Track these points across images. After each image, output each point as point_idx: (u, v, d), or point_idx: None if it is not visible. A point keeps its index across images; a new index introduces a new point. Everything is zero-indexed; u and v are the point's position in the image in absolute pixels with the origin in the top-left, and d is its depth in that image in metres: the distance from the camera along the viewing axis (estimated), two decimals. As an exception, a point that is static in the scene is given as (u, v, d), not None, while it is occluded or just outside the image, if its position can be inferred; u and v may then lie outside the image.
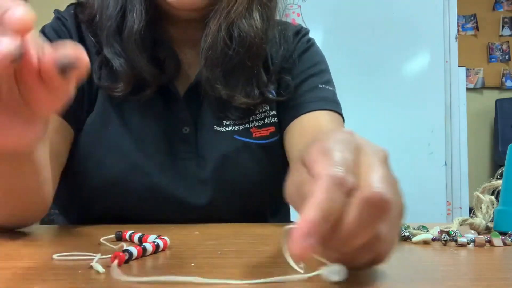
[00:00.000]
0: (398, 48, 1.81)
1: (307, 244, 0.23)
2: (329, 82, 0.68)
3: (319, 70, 0.69)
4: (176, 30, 0.64)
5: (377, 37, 1.80)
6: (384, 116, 1.78)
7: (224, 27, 0.58)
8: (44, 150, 0.45)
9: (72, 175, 0.61)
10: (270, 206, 0.71)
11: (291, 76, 0.66)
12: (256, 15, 0.60)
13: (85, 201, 0.62)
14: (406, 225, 0.48)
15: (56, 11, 0.65)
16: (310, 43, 0.71)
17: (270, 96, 0.64)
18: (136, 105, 0.61)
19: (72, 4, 0.66)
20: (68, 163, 0.61)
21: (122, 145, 0.60)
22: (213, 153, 0.62)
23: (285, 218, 0.76)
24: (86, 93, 0.61)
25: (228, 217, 0.62)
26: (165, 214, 0.60)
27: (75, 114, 0.60)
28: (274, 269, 0.31)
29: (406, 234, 0.45)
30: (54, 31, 0.62)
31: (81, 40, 0.62)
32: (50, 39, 0.61)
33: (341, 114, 0.67)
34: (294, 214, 0.75)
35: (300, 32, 0.72)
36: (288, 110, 0.65)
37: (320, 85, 0.66)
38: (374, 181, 0.24)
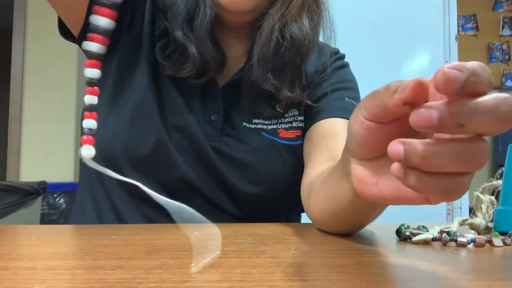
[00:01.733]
0: (398, 48, 1.80)
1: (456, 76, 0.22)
2: (357, 99, 0.72)
3: (349, 86, 0.72)
4: (224, 34, 0.67)
5: (377, 37, 1.80)
6: (384, 116, 1.78)
7: (277, 28, 0.62)
8: None
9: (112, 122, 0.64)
10: (285, 209, 0.72)
11: (321, 87, 0.70)
12: (305, 21, 0.64)
13: (124, 144, 0.64)
14: (406, 225, 0.47)
15: None
16: (345, 64, 0.76)
17: (306, 100, 0.68)
18: (178, 85, 0.65)
19: None
20: (109, 117, 0.65)
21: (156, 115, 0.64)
22: (239, 145, 0.66)
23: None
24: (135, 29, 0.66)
25: (245, 197, 0.65)
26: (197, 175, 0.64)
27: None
28: (274, 269, 0.31)
29: (406, 234, 0.45)
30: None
31: (153, 18, 0.67)
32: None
33: None
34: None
35: (337, 54, 0.77)
36: (311, 115, 0.68)
37: (346, 99, 0.69)
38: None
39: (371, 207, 0.41)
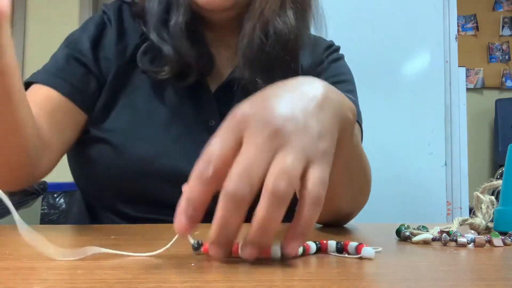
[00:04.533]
0: (398, 48, 1.81)
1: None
2: (352, 92, 0.71)
3: (344, 79, 0.72)
4: (212, 34, 0.67)
5: (377, 37, 1.80)
6: (383, 116, 1.78)
7: (259, 26, 0.61)
8: (9, 57, 0.42)
9: (96, 156, 0.63)
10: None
11: None
12: (289, 13, 0.63)
13: (110, 184, 0.63)
14: (406, 225, 0.47)
15: (103, 5, 0.69)
16: (340, 57, 0.75)
17: None
18: (168, 94, 0.65)
19: (119, 0, 0.70)
20: (93, 145, 0.64)
21: (149, 130, 0.63)
22: None
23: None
24: (96, 79, 0.64)
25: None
26: None
27: (85, 97, 0.63)
28: (274, 269, 0.31)
29: (406, 234, 0.45)
30: (95, 24, 0.66)
31: (120, 29, 0.66)
32: (91, 30, 0.65)
33: (359, 123, 0.68)
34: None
35: (332, 46, 0.76)
36: None
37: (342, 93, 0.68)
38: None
39: None
